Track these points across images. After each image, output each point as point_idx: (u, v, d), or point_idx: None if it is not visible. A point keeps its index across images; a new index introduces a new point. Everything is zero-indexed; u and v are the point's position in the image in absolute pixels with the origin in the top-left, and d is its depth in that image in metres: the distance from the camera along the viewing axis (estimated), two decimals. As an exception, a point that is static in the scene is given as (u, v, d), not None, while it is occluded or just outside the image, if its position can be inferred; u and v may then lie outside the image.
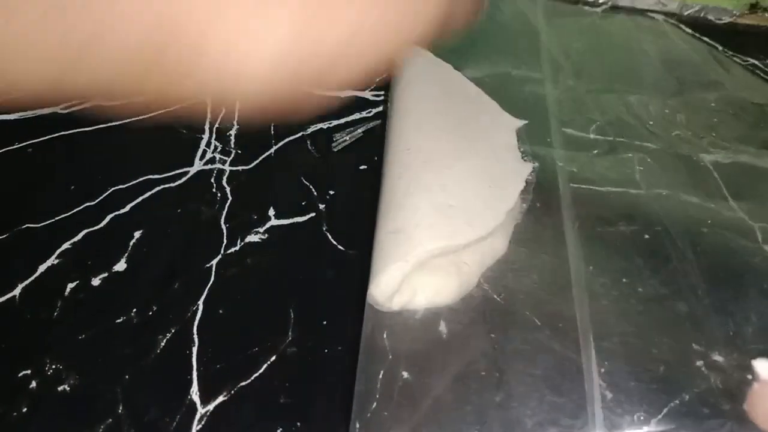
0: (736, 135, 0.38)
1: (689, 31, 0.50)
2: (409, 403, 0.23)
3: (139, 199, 0.31)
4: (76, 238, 0.29)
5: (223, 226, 0.30)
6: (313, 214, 0.31)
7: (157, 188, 0.32)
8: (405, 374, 0.23)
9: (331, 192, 0.33)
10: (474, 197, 0.29)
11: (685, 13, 0.52)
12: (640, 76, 0.44)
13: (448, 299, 0.26)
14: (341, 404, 0.23)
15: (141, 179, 0.32)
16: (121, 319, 0.26)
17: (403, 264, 0.25)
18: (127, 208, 0.31)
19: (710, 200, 0.33)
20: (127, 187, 0.32)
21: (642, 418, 0.23)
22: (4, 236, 0.29)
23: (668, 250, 0.30)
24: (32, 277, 0.27)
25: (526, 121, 0.35)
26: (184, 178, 0.33)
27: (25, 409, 0.23)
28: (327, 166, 0.34)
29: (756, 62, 0.47)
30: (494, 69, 0.41)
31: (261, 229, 0.30)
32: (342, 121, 0.37)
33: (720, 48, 0.49)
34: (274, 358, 0.25)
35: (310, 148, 0.36)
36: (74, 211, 0.31)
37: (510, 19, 0.48)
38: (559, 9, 0.50)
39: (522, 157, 0.33)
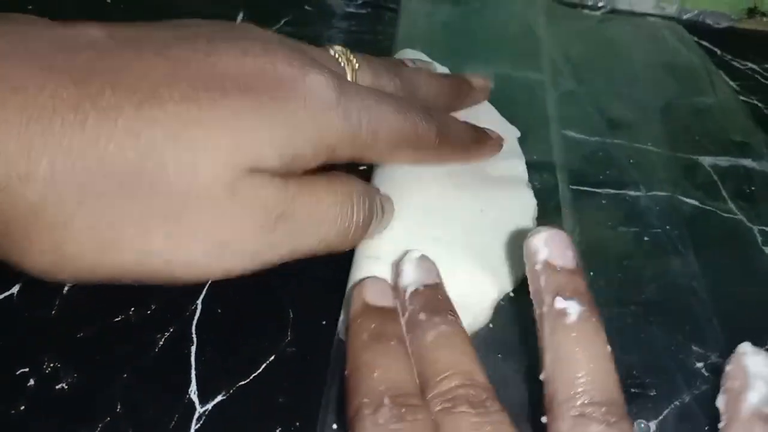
0: (734, 137, 0.39)
1: (688, 35, 0.50)
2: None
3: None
4: (74, 237, 0.29)
5: (223, 226, 0.30)
6: (313, 214, 0.31)
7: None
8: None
9: (331, 192, 0.33)
10: (465, 227, 0.27)
11: (684, 17, 0.53)
12: (639, 79, 0.44)
13: None
14: (340, 404, 0.23)
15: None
16: (119, 318, 0.26)
17: None
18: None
19: (709, 202, 0.33)
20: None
21: (642, 425, 0.23)
22: (3, 234, 0.29)
23: (668, 252, 0.30)
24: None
25: (519, 134, 0.34)
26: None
27: (23, 407, 0.22)
28: (326, 166, 0.34)
29: (755, 66, 0.47)
30: (494, 71, 0.41)
31: (260, 229, 0.30)
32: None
33: (719, 52, 0.49)
34: (273, 357, 0.25)
35: (309, 148, 0.35)
36: (73, 209, 0.30)
37: (509, 21, 0.48)
38: (559, 12, 0.50)
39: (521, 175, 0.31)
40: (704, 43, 0.49)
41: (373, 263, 0.25)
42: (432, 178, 0.29)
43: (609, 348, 0.19)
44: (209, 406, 0.23)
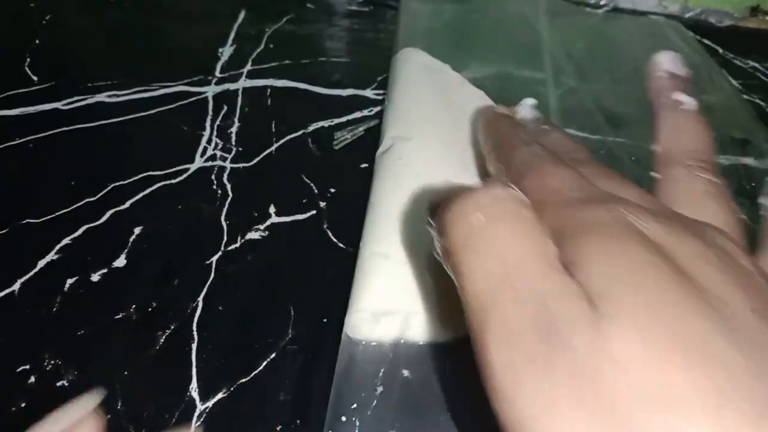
0: (736, 136, 0.38)
1: (690, 33, 0.50)
2: (410, 403, 0.23)
3: (140, 196, 0.31)
4: (75, 234, 0.29)
5: (224, 223, 0.30)
6: (314, 212, 0.31)
7: (158, 185, 0.32)
8: (405, 373, 0.23)
9: (332, 190, 0.33)
10: None
11: (686, 16, 0.53)
12: (642, 77, 0.44)
13: (451, 337, 0.24)
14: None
15: (141, 176, 0.32)
16: (120, 315, 0.26)
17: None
18: (127, 204, 0.31)
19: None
20: (127, 183, 0.32)
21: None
22: (4, 231, 0.29)
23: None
24: (31, 273, 0.27)
25: None
26: (185, 175, 0.33)
27: (23, 404, 0.22)
28: (328, 164, 0.34)
29: (756, 65, 0.47)
30: (496, 69, 0.41)
31: (261, 227, 0.30)
32: (343, 119, 0.37)
33: (720, 50, 0.49)
34: (274, 355, 0.25)
35: (311, 145, 0.36)
36: (74, 206, 0.30)
37: (511, 19, 0.48)
38: (561, 10, 0.50)
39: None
40: (706, 41, 0.49)
41: (381, 260, 0.25)
42: (435, 176, 0.29)
43: (713, 134, 0.23)
44: (210, 403, 0.23)
